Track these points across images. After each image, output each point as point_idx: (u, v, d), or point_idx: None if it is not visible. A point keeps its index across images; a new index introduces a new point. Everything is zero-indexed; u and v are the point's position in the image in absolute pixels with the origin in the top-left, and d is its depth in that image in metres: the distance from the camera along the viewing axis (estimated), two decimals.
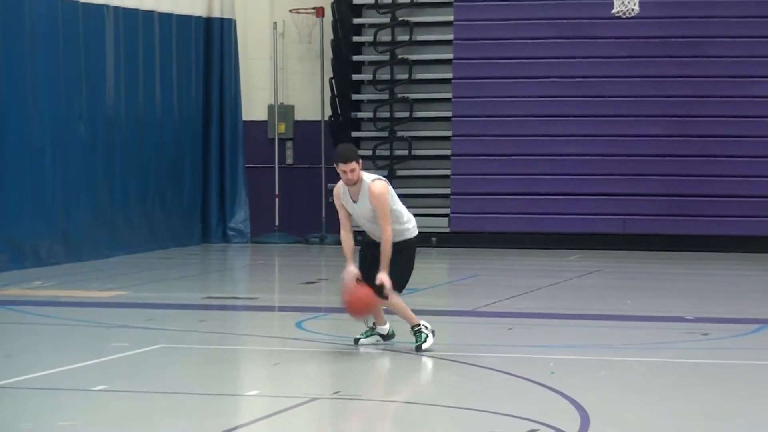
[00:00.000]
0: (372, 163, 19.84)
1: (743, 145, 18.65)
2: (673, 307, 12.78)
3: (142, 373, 9.27)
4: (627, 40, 19.02)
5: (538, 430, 7.38)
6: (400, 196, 9.93)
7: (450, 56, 19.70)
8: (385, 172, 19.35)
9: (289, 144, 20.54)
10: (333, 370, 9.53)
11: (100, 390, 8.56)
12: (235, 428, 7.66)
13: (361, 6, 20.32)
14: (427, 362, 9.63)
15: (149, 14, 18.47)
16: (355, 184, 9.53)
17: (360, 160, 9.58)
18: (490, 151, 19.24)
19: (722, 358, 9.97)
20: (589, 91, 19.09)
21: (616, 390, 8.73)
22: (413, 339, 9.82)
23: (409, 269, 9.72)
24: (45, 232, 16.28)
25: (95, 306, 12.67)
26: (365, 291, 9.50)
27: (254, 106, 20.52)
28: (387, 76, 20.01)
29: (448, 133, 19.56)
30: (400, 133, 19.88)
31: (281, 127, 20.44)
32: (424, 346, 9.72)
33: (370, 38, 20.09)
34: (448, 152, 19.49)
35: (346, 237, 9.67)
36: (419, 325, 9.79)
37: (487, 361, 9.51)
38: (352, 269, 9.58)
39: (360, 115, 20.21)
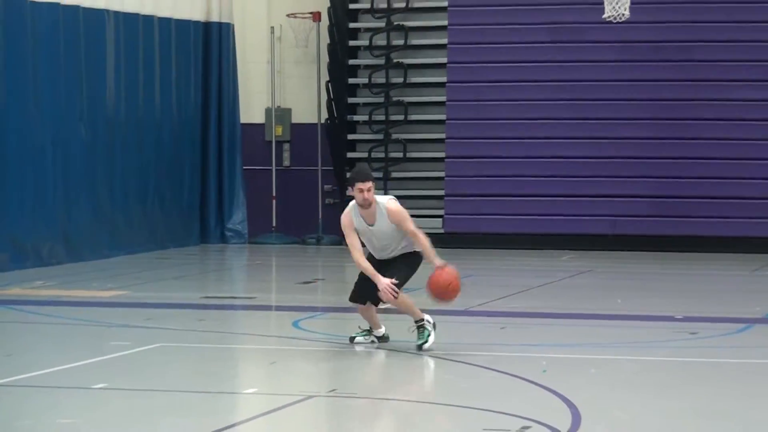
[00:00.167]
0: (367, 165, 19.84)
1: (730, 147, 18.67)
2: (663, 307, 12.78)
3: (141, 371, 9.25)
4: (618, 44, 19.03)
5: (530, 427, 7.38)
6: (395, 197, 9.94)
7: (444, 60, 19.70)
8: (380, 174, 19.37)
9: (286, 146, 20.53)
10: (329, 369, 9.53)
11: (100, 388, 8.54)
12: (233, 425, 7.66)
13: (357, 11, 20.32)
14: (422, 361, 9.63)
15: (149, 18, 18.45)
16: (369, 206, 9.53)
17: (374, 182, 9.64)
18: (484, 154, 19.24)
19: (711, 357, 9.97)
20: (581, 94, 19.10)
21: (607, 388, 8.73)
22: (415, 335, 9.79)
23: (411, 271, 9.78)
24: (46, 232, 16.25)
25: (96, 305, 12.66)
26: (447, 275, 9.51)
27: (252, 109, 20.51)
28: (382, 80, 20.00)
29: (443, 136, 19.56)
30: (395, 136, 19.88)
31: (278, 130, 20.42)
32: (425, 346, 9.72)
33: (366, 42, 20.09)
34: (442, 154, 19.49)
35: (361, 258, 9.63)
36: (423, 320, 9.80)
37: (480, 360, 9.51)
38: (384, 280, 9.55)
39: (356, 118, 20.20)
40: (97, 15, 17.33)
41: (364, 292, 9.82)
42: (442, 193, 19.32)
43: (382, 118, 19.95)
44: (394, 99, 19.92)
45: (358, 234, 9.71)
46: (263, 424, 7.76)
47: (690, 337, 10.74)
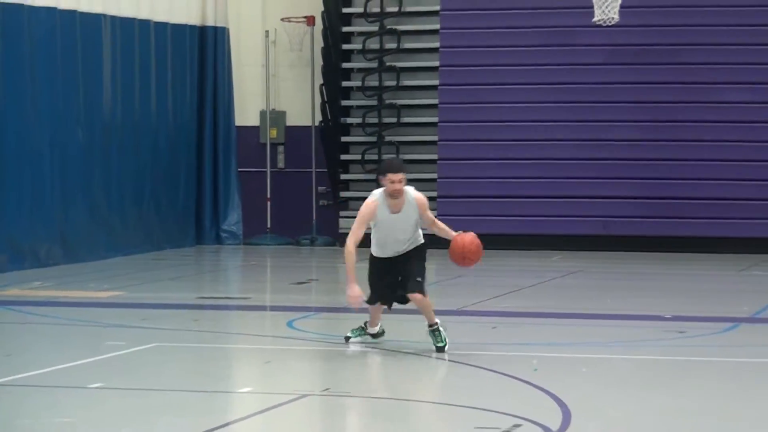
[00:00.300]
0: (361, 167, 19.85)
1: (718, 149, 18.69)
2: (652, 306, 12.79)
3: (137, 370, 9.24)
4: (608, 47, 19.05)
5: (521, 425, 7.37)
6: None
7: (436, 63, 19.70)
8: (374, 176, 19.34)
9: (281, 148, 20.51)
10: (323, 368, 9.52)
11: (96, 387, 8.53)
12: (227, 424, 7.65)
13: (351, 15, 20.31)
14: (414, 360, 9.62)
15: (145, 23, 18.44)
16: (399, 196, 9.63)
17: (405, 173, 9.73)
18: (475, 156, 19.25)
19: (699, 355, 9.98)
20: (571, 97, 19.12)
21: (598, 386, 8.73)
22: (432, 339, 9.74)
23: (425, 265, 9.92)
24: (44, 233, 16.23)
25: (92, 306, 12.64)
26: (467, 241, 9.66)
27: (247, 112, 20.49)
28: (375, 83, 20.00)
29: (435, 138, 19.57)
30: (388, 138, 19.88)
31: (273, 132, 20.41)
32: (446, 348, 9.73)
33: (359, 46, 20.08)
34: (434, 156, 19.49)
35: (353, 248, 9.60)
36: (437, 324, 9.81)
37: (473, 359, 9.50)
38: (355, 290, 9.55)
39: (349, 120, 20.19)
40: (94, 19, 17.31)
41: (384, 292, 9.75)
42: (434, 194, 19.30)
43: (375, 120, 19.94)
44: (387, 102, 19.91)
45: (372, 226, 9.69)
46: (258, 422, 7.75)
47: (679, 336, 10.75)
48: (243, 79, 20.44)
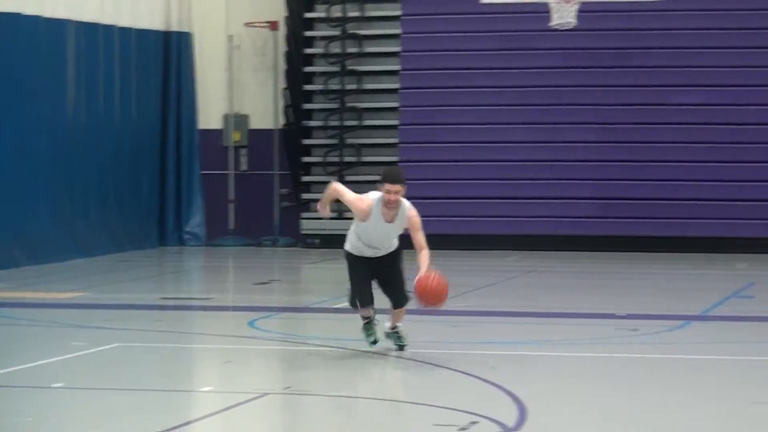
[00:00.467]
0: (322, 169, 19.81)
1: (669, 150, 18.83)
2: (605, 305, 12.83)
3: (100, 371, 9.16)
4: (564, 51, 19.14)
5: (478, 422, 7.37)
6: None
7: (397, 67, 19.72)
8: (335, 178, 19.31)
9: (244, 151, 20.44)
10: (284, 367, 9.48)
11: (58, 387, 8.44)
12: (188, 423, 7.59)
13: (313, 20, 20.28)
14: (374, 359, 9.60)
15: (109, 28, 18.31)
16: (394, 207, 9.40)
17: (405, 186, 9.39)
18: (435, 158, 19.27)
19: (651, 353, 10.01)
20: (529, 100, 19.18)
21: (553, 383, 8.74)
22: (393, 339, 9.64)
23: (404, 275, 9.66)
24: (6, 235, 16.06)
25: (54, 307, 12.52)
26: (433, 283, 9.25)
27: (210, 116, 20.40)
28: (337, 86, 19.98)
29: (395, 141, 19.57)
30: (349, 141, 19.86)
31: (236, 136, 20.34)
32: (407, 348, 9.65)
33: (322, 50, 20.05)
34: (395, 159, 19.48)
35: (339, 189, 9.39)
36: (397, 326, 9.72)
37: (431, 357, 9.49)
38: (327, 211, 9.43)
39: (311, 123, 20.16)
40: (58, 24, 17.17)
41: (367, 294, 9.50)
42: None
43: (337, 123, 19.92)
44: (349, 105, 19.89)
45: (356, 222, 9.46)
46: (219, 421, 7.70)
47: (631, 334, 10.79)
48: (206, 83, 20.35)
